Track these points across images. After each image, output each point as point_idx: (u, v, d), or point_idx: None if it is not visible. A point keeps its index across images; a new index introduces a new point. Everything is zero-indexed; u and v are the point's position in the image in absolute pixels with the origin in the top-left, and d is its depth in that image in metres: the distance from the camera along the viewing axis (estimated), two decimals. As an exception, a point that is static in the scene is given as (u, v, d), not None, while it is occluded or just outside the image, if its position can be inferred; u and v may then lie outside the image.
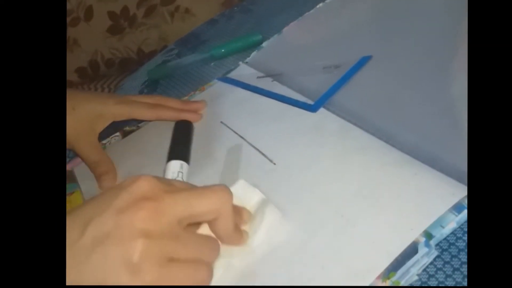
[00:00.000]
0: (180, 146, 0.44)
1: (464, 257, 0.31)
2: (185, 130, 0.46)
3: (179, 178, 0.40)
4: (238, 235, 0.32)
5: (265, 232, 0.33)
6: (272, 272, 0.31)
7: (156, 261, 0.26)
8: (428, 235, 0.30)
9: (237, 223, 0.31)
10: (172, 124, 0.47)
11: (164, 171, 0.41)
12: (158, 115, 0.49)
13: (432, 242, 0.30)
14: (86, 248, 0.26)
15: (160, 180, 0.29)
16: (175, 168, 0.40)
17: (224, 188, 0.29)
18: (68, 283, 0.26)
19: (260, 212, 0.33)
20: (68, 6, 0.93)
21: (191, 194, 0.28)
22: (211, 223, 0.30)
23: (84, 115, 0.47)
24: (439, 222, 0.30)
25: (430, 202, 0.31)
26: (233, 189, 0.31)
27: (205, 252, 0.29)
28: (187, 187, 0.30)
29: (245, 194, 0.34)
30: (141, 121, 0.52)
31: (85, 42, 1.00)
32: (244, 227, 0.32)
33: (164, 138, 0.46)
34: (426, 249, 0.30)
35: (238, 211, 0.33)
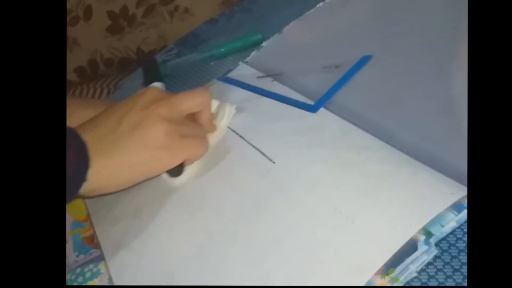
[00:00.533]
0: (156, 75, 0.56)
1: (464, 258, 0.31)
2: (154, 67, 0.59)
3: None
4: (212, 125, 0.45)
5: (225, 121, 0.46)
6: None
7: (176, 136, 0.38)
8: (427, 233, 0.30)
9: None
10: None
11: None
12: None
13: (432, 240, 0.30)
14: (126, 133, 0.37)
15: (165, 92, 0.42)
16: (161, 87, 0.51)
17: (205, 89, 0.44)
18: (113, 163, 0.36)
19: (219, 110, 0.46)
20: (68, 6, 0.93)
21: (186, 94, 0.41)
22: (198, 114, 0.43)
23: (80, 122, 0.47)
24: (439, 221, 0.30)
25: (429, 201, 0.31)
26: None
27: (201, 131, 0.43)
28: (179, 93, 0.42)
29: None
30: None
31: (85, 41, 1.00)
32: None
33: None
34: (425, 247, 0.30)
35: None
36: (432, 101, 0.40)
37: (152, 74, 0.56)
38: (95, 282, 0.40)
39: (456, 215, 0.30)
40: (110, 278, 0.38)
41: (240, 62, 0.57)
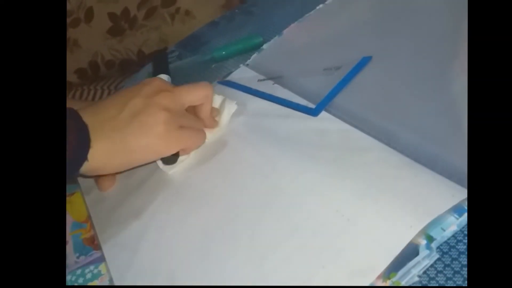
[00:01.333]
0: (165, 67, 0.59)
1: (464, 260, 0.31)
2: (163, 59, 0.63)
3: None
4: (213, 119, 0.46)
5: (226, 118, 0.46)
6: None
7: (174, 126, 0.40)
8: (429, 237, 0.30)
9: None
10: None
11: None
12: None
13: (433, 245, 0.30)
14: (127, 119, 0.38)
15: (165, 81, 0.43)
16: (166, 79, 0.54)
17: (208, 84, 0.44)
18: (113, 146, 0.38)
19: (222, 107, 0.47)
20: (69, 7, 0.93)
21: (189, 87, 0.43)
22: (199, 107, 0.44)
23: None
24: (440, 225, 0.30)
25: (430, 203, 0.31)
26: None
27: (199, 124, 0.44)
28: (183, 85, 0.43)
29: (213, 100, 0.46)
30: None
31: (85, 43, 1.00)
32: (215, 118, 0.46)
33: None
34: (427, 251, 0.30)
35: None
36: (433, 103, 0.40)
37: (161, 66, 0.59)
38: (96, 283, 0.40)
39: (457, 219, 0.30)
40: (110, 280, 0.38)
41: (241, 65, 0.57)
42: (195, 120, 0.44)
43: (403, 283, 0.29)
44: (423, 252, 0.30)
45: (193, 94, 0.43)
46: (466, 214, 0.30)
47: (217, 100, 0.47)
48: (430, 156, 0.35)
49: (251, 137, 0.44)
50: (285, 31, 0.60)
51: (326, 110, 0.43)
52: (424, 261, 0.30)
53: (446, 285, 0.30)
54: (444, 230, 0.30)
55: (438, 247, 0.31)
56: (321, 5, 0.60)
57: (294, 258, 0.32)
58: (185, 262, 0.36)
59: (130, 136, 0.38)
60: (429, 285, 0.30)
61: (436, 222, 0.30)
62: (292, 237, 0.33)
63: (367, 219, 0.32)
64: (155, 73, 0.57)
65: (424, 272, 0.31)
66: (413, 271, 0.30)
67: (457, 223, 0.30)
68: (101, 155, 0.37)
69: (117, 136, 0.38)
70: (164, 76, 0.54)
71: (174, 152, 0.42)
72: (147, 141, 0.39)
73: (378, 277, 0.29)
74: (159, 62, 0.61)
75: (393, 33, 0.50)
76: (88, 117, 0.38)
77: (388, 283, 0.29)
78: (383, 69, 0.46)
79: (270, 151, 0.41)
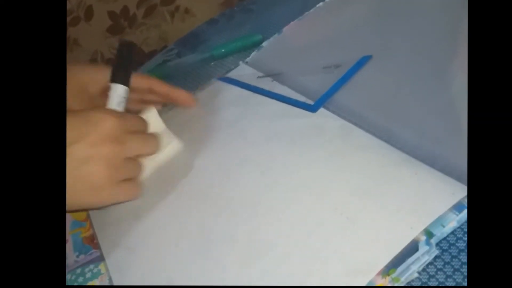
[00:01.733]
0: (124, 70, 0.48)
1: (464, 257, 0.31)
2: (128, 54, 0.50)
3: (122, 104, 0.46)
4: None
5: (167, 155, 0.45)
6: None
7: (114, 183, 0.39)
8: (428, 233, 0.30)
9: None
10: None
11: (110, 90, 0.46)
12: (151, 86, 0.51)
13: (433, 241, 0.30)
14: (71, 167, 0.36)
15: (121, 120, 0.40)
16: (121, 93, 0.46)
17: (157, 137, 0.44)
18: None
19: (164, 139, 0.45)
20: (68, 6, 0.93)
21: (144, 141, 0.42)
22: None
23: (77, 79, 0.48)
24: (440, 221, 0.30)
25: (430, 201, 0.31)
26: (145, 116, 0.45)
27: (139, 173, 0.43)
28: (139, 128, 0.43)
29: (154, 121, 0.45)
30: None
31: (85, 41, 1.00)
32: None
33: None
34: (426, 247, 0.30)
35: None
36: (432, 101, 0.40)
37: (123, 64, 0.48)
38: (96, 282, 0.40)
39: (457, 215, 0.30)
40: (110, 279, 0.38)
41: (241, 62, 0.57)
42: (138, 168, 0.43)
43: (402, 279, 0.29)
44: (423, 248, 0.30)
45: (146, 149, 0.43)
46: (465, 211, 0.30)
47: (157, 126, 0.45)
48: (429, 154, 0.35)
49: (249, 134, 0.44)
50: (284, 29, 0.60)
51: (326, 108, 0.43)
52: (423, 257, 0.30)
53: (445, 282, 0.30)
54: (444, 226, 0.30)
55: (438, 245, 0.31)
56: (321, 3, 0.60)
57: (292, 255, 0.32)
58: (183, 260, 0.36)
59: (73, 185, 0.37)
60: (428, 283, 0.30)
61: (435, 218, 0.30)
62: (290, 234, 0.33)
63: (367, 217, 0.32)
64: (115, 72, 0.47)
65: (424, 270, 0.31)
66: (413, 267, 0.30)
67: (457, 219, 0.30)
68: None
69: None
70: (121, 90, 0.46)
71: (111, 204, 0.42)
72: (88, 192, 0.38)
73: (378, 274, 0.29)
74: (123, 56, 0.49)
75: (393, 32, 0.50)
76: None
77: (387, 280, 0.29)
78: (383, 68, 0.46)
79: (268, 148, 0.41)
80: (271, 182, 0.38)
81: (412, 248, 0.29)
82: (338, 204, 0.34)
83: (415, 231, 0.30)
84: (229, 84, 0.53)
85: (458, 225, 0.30)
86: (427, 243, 0.30)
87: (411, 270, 0.30)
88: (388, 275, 0.29)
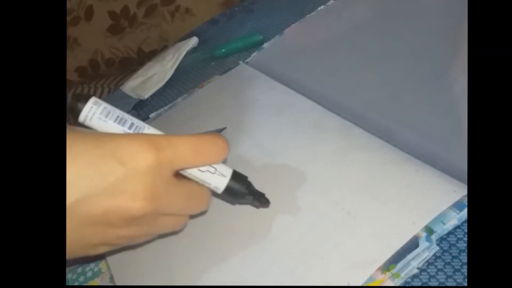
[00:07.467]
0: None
1: (464, 258, 0.31)
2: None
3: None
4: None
5: None
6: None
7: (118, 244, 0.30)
8: (429, 230, 0.30)
9: None
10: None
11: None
12: None
13: (433, 237, 0.30)
14: (82, 250, 0.29)
15: (159, 176, 0.27)
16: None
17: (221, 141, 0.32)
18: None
19: None
20: (68, 5, 0.93)
21: (185, 199, 0.30)
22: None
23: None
24: (440, 219, 0.30)
25: (432, 198, 0.32)
26: None
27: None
28: (185, 186, 0.30)
29: None
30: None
31: (85, 41, 1.00)
32: None
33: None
34: (427, 244, 0.30)
35: None
36: (432, 101, 0.40)
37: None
38: (96, 281, 0.40)
39: (457, 213, 0.30)
40: (111, 278, 0.39)
41: (241, 62, 0.57)
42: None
43: (402, 275, 0.29)
44: (423, 244, 0.30)
45: (183, 210, 0.31)
46: (466, 209, 0.30)
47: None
48: (430, 154, 0.35)
49: (250, 130, 0.44)
50: (286, 31, 0.60)
51: (326, 107, 0.43)
52: (424, 253, 0.30)
53: (446, 283, 0.30)
54: (444, 223, 0.30)
55: (438, 246, 0.31)
56: (322, 6, 0.60)
57: (293, 250, 0.32)
58: (184, 256, 0.36)
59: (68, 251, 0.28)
60: (429, 283, 0.30)
61: (436, 216, 0.30)
62: (291, 228, 0.34)
63: (368, 213, 0.32)
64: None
65: (424, 270, 0.31)
66: (413, 263, 0.30)
67: (457, 217, 0.30)
68: None
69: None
70: (150, 130, 0.31)
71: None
72: (83, 251, 0.30)
73: (377, 269, 0.29)
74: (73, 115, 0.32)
75: (393, 34, 0.50)
76: None
77: (387, 275, 0.29)
78: (383, 69, 0.46)
79: (268, 143, 0.41)
80: (272, 176, 0.38)
81: (412, 244, 0.30)
82: (339, 200, 0.34)
83: (417, 226, 0.30)
84: (228, 80, 0.53)
85: (458, 223, 0.30)
86: (428, 239, 0.30)
87: (411, 266, 0.30)
88: (388, 270, 0.29)
